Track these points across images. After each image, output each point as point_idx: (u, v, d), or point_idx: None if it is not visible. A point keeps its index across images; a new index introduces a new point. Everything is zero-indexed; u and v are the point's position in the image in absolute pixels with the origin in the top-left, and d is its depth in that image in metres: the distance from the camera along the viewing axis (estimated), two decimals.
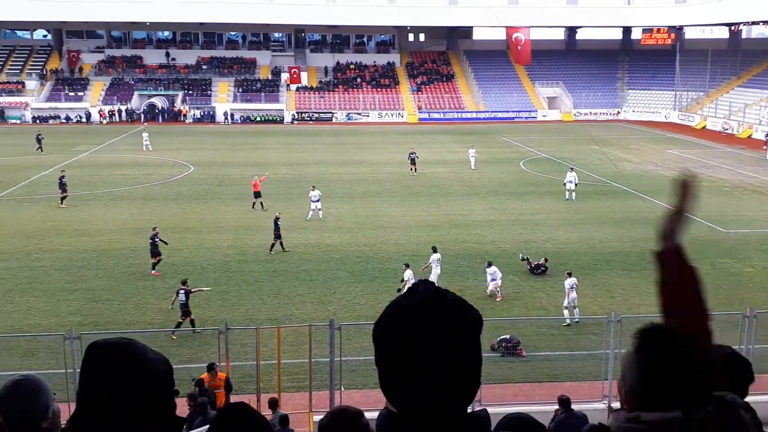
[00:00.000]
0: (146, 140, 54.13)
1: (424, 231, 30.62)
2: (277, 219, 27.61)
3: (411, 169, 44.22)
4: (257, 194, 34.42)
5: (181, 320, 19.76)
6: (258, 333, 15.66)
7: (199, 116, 76.47)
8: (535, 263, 25.08)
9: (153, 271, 24.72)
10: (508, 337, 18.49)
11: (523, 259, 25.29)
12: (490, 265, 23.08)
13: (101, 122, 73.83)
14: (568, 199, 36.51)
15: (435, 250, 24.18)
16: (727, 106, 71.71)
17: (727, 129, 68.00)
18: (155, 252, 24.91)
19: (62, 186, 35.06)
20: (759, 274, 24.95)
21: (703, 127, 71.34)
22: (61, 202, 34.84)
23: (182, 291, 19.88)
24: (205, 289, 21.89)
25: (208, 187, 40.40)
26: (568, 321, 20.23)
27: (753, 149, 53.70)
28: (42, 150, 51.91)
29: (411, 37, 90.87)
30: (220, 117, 76.43)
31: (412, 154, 44.83)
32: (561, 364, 17.83)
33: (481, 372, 1.79)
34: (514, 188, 40.17)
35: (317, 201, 32.63)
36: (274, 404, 13.50)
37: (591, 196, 37.43)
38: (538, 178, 43.46)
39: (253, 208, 34.10)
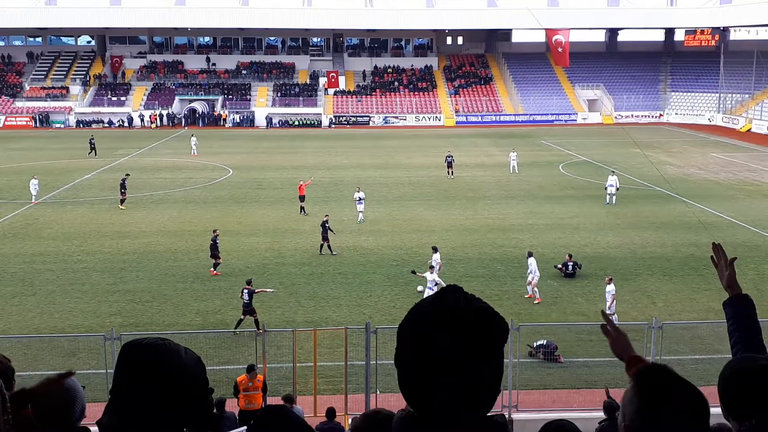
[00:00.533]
0: (194, 144, 54.97)
1: (460, 235, 30.48)
2: (324, 222, 27.77)
3: (448, 173, 44.15)
4: (302, 198, 34.54)
5: (242, 317, 20.11)
6: (294, 335, 15.74)
7: (238, 120, 77.38)
8: (561, 264, 24.73)
9: (213, 271, 25.16)
10: (545, 342, 18.29)
11: (556, 267, 24.97)
12: (530, 255, 23.14)
13: (151, 126, 75.09)
14: (608, 203, 36.03)
15: (435, 250, 24.00)
16: None
17: None
18: (215, 254, 25.28)
19: (123, 187, 35.52)
20: None
21: (748, 130, 69.72)
22: (121, 204, 35.47)
23: (246, 290, 20.23)
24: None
25: (246, 190, 40.81)
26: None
27: None
28: (96, 153, 52.96)
29: (449, 40, 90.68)
30: (258, 121, 77.24)
31: (449, 157, 44.73)
32: (600, 371, 17.55)
33: (501, 381, 1.80)
34: (552, 192, 39.75)
35: (360, 203, 32.81)
36: (289, 399, 13.60)
37: (632, 201, 36.85)
38: (578, 181, 42.95)
39: (300, 212, 34.22)
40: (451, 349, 1.71)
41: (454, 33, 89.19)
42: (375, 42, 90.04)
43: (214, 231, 26.11)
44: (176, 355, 2.20)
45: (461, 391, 1.71)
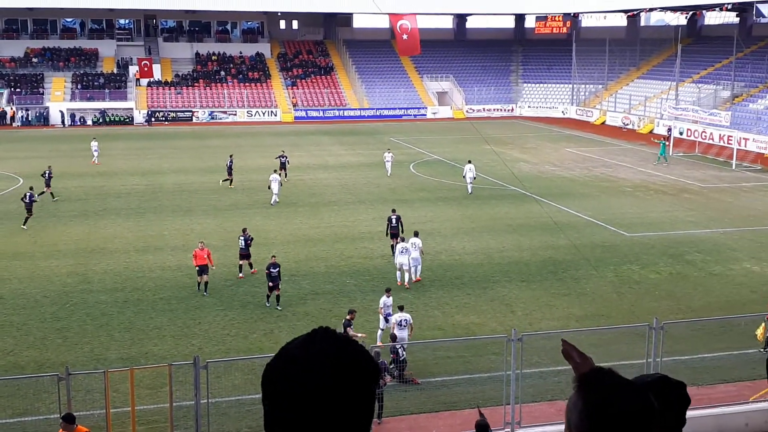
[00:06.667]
0: (95, 149, 50.59)
1: (304, 246, 30.54)
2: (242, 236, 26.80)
3: (279, 174, 44.14)
4: (202, 270, 25.07)
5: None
6: (107, 376, 15.08)
7: (29, 118, 73.31)
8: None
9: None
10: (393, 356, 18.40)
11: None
12: (416, 234, 26.54)
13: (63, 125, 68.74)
14: (471, 193, 39.61)
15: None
16: (626, 99, 76.06)
17: (627, 124, 72.08)
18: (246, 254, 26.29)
19: (230, 170, 42.27)
20: (665, 281, 26.49)
21: (603, 123, 75.29)
22: (230, 183, 42.16)
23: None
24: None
25: (41, 203, 38.48)
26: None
27: (654, 146, 57.05)
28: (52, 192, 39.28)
29: (282, 24, 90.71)
30: (54, 119, 73.50)
31: (283, 157, 44.75)
32: (459, 390, 18.23)
33: (370, 421, 1.95)
34: (404, 195, 40.83)
35: (388, 162, 44.54)
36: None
37: (487, 201, 38.63)
38: (430, 182, 44.41)
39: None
40: (321, 395, 1.85)
41: (288, 16, 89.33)
42: (195, 25, 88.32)
43: (244, 230, 27.22)
44: None
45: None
